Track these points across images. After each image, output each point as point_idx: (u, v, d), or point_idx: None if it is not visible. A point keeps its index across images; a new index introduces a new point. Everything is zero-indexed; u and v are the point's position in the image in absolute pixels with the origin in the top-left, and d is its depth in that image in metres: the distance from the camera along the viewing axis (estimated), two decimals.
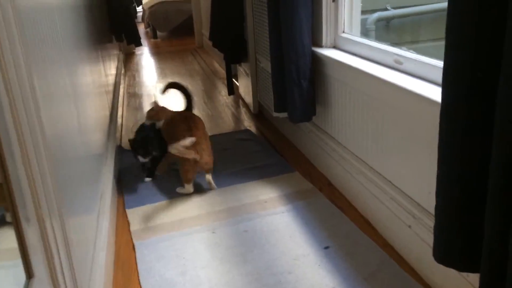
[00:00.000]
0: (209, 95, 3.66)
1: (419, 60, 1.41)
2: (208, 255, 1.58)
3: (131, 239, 1.71)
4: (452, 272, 1.23)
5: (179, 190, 2.05)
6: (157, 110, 2.29)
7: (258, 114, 3.04)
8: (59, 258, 0.86)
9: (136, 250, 1.64)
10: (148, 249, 1.64)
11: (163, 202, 1.98)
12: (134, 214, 1.89)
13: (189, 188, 2.02)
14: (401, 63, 1.50)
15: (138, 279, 1.48)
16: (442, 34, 0.95)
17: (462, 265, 1.00)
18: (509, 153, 0.79)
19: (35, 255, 0.74)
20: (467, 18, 0.86)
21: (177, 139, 1.95)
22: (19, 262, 0.70)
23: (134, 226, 1.80)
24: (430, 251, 1.31)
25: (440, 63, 1.33)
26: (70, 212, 1.08)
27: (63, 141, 1.13)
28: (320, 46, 1.99)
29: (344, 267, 1.47)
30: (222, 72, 4.18)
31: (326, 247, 1.58)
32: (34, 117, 0.82)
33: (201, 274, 1.49)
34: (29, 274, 0.69)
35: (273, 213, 1.82)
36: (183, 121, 2.10)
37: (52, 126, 0.99)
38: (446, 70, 0.93)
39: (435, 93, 1.24)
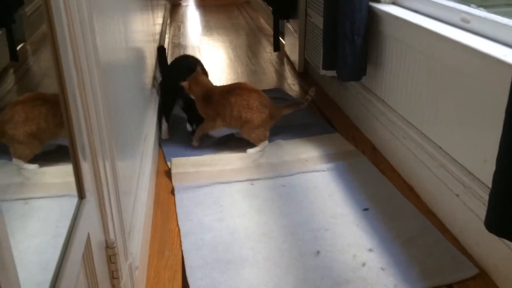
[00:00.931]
0: (254, 50, 3.60)
1: (490, 19, 1.31)
2: (245, 205, 1.59)
3: (171, 182, 1.74)
4: (498, 244, 1.18)
5: (252, 150, 1.95)
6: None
7: (303, 73, 2.97)
8: (107, 186, 0.87)
9: (176, 193, 1.66)
10: (187, 193, 1.66)
11: (204, 156, 1.94)
12: (176, 161, 1.88)
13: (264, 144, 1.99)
14: (468, 22, 1.39)
15: (177, 221, 1.51)
16: None
17: None
18: None
19: (87, 181, 0.75)
20: None
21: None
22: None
23: (175, 169, 1.81)
24: (477, 222, 1.26)
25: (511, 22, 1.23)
26: (119, 151, 1.09)
27: (115, 78, 1.13)
28: (379, 1, 1.88)
29: (383, 230, 1.44)
30: (268, 29, 4.08)
31: (366, 209, 1.55)
32: (93, 61, 0.82)
33: (238, 222, 1.50)
34: (81, 195, 0.70)
35: (313, 171, 1.80)
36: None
37: (107, 74, 1.00)
38: None
39: (505, 53, 1.14)
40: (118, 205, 0.94)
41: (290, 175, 1.77)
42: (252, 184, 1.72)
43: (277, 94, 2.62)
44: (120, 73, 1.25)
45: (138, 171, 1.42)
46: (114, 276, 0.89)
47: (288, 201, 1.60)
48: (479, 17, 1.35)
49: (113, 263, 0.89)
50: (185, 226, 1.48)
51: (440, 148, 1.49)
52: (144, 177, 1.46)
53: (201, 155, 1.95)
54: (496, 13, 1.33)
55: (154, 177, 1.76)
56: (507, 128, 0.92)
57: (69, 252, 0.61)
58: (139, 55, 1.79)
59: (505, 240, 1.14)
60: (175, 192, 1.67)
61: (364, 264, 1.29)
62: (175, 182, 1.73)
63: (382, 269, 1.27)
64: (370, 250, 1.35)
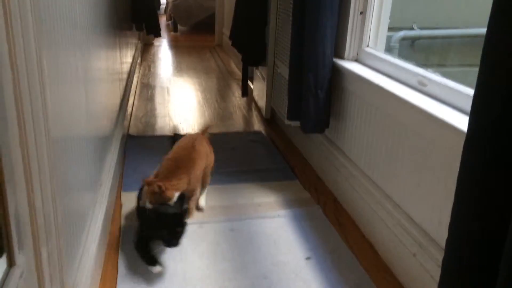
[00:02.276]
0: (222, 94, 3.62)
1: (445, 84, 1.36)
2: (189, 248, 1.57)
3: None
4: None
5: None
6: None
7: (270, 120, 3.00)
8: (46, 240, 0.81)
9: (122, 234, 1.65)
10: (132, 234, 1.63)
11: None
12: (129, 198, 1.88)
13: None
14: (425, 85, 1.44)
15: (117, 264, 1.48)
16: (470, 59, 0.90)
17: None
18: None
19: (19, 244, 0.70)
20: (504, 47, 0.81)
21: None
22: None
23: (126, 209, 1.81)
24: (433, 283, 1.26)
25: (466, 89, 1.28)
26: (65, 190, 1.03)
27: (66, 122, 1.09)
28: (342, 58, 1.94)
29: (321, 280, 1.45)
30: (238, 73, 4.14)
31: (308, 258, 1.55)
32: (38, 95, 0.78)
33: (178, 267, 1.48)
34: (10, 263, 0.65)
35: (264, 217, 1.80)
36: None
37: (56, 106, 0.96)
38: (476, 96, 0.87)
39: (459, 120, 1.18)
40: (60, 262, 0.89)
41: (240, 220, 1.77)
42: (201, 227, 1.70)
43: (254, 138, 2.65)
44: (71, 116, 1.21)
45: (89, 220, 1.36)
46: None
47: (233, 246, 1.60)
48: (435, 81, 1.40)
49: None
50: (125, 268, 1.45)
51: (398, 206, 1.50)
52: (95, 226, 1.39)
53: None
54: (450, 72, 1.39)
55: (110, 222, 1.69)
56: (459, 197, 0.93)
57: None
58: (100, 101, 1.76)
59: None
60: (121, 233, 1.64)
61: None
62: (123, 222, 1.71)
63: None
64: None
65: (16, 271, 0.66)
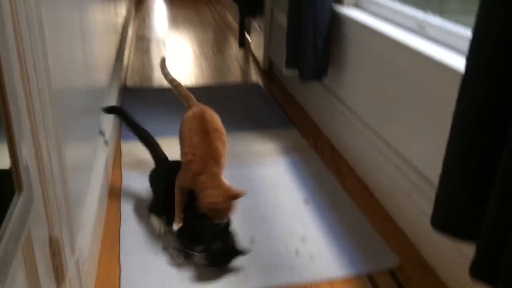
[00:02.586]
0: (219, 46, 3.58)
1: (444, 27, 1.35)
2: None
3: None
4: (445, 241, 1.22)
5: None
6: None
7: (267, 71, 2.98)
8: (53, 178, 0.84)
9: (123, 180, 1.68)
10: (135, 181, 1.67)
11: (158, 139, 1.96)
12: (128, 147, 1.92)
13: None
14: (424, 28, 1.43)
15: (120, 207, 1.52)
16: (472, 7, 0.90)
17: (460, 234, 0.98)
18: None
19: (26, 171, 0.72)
20: None
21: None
22: None
23: (126, 158, 1.84)
24: (425, 220, 1.30)
25: (465, 32, 1.27)
26: (68, 140, 1.05)
27: (66, 74, 1.09)
28: (341, 3, 1.91)
29: (319, 221, 1.49)
30: (235, 26, 4.07)
31: (306, 202, 1.60)
32: (39, 47, 0.79)
33: None
34: (19, 188, 0.67)
35: (263, 164, 1.84)
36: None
37: (56, 58, 0.96)
38: (473, 39, 0.88)
39: (457, 62, 1.19)
40: (65, 197, 0.92)
41: (239, 167, 1.80)
42: None
43: (252, 89, 2.65)
44: (69, 66, 1.21)
45: (91, 162, 1.39)
46: (58, 270, 0.87)
47: None
48: (434, 24, 1.39)
49: (58, 258, 0.86)
50: (127, 212, 1.50)
51: (395, 149, 1.53)
52: (98, 169, 1.42)
53: (157, 138, 1.97)
54: (451, 20, 1.38)
55: (110, 168, 1.72)
56: (453, 134, 0.95)
57: (4, 247, 0.59)
58: (97, 54, 1.74)
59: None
60: (123, 180, 1.68)
61: (295, 252, 1.34)
62: (124, 170, 1.74)
63: (311, 257, 1.31)
64: (303, 239, 1.39)
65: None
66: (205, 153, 1.30)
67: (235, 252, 1.22)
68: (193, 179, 1.26)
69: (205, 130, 1.35)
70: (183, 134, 1.37)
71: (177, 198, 1.31)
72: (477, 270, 0.90)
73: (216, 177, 1.27)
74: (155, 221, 1.40)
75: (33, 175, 0.74)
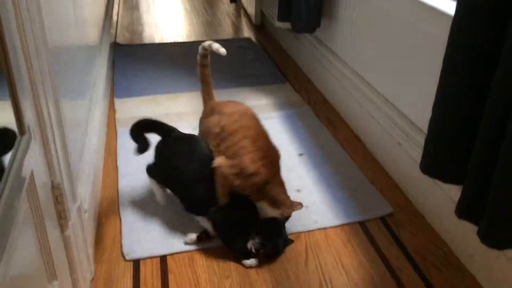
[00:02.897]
0: (210, 1, 3.51)
1: None
2: None
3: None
4: (433, 186, 1.27)
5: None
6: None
7: (260, 26, 2.94)
8: (51, 125, 0.85)
9: (118, 136, 1.68)
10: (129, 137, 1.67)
11: (151, 96, 1.99)
12: (122, 104, 1.92)
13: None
14: None
15: (116, 163, 1.54)
16: None
17: (447, 177, 1.02)
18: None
19: (28, 117, 0.73)
20: None
21: None
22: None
23: (120, 114, 1.84)
24: (416, 168, 1.34)
25: None
26: (65, 94, 1.06)
27: (59, 31, 1.08)
28: None
29: (314, 173, 1.53)
30: None
31: (301, 154, 1.63)
32: (33, 5, 0.78)
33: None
34: (22, 131, 0.69)
35: None
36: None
37: (50, 16, 0.95)
38: None
39: (447, 7, 1.19)
40: (63, 146, 0.93)
41: None
42: (195, 130, 1.74)
43: (244, 44, 2.62)
44: (62, 23, 1.20)
45: (86, 117, 1.40)
46: (61, 216, 0.90)
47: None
48: None
49: (60, 203, 0.89)
50: (124, 167, 1.52)
51: (386, 98, 1.55)
52: (93, 123, 1.44)
53: (149, 94, 2.01)
54: None
55: (105, 126, 1.74)
56: (442, 79, 0.97)
57: (10, 186, 0.61)
58: (87, 9, 1.71)
59: (440, 184, 1.23)
60: (118, 135, 1.69)
61: None
62: (119, 126, 1.75)
63: (306, 208, 1.34)
64: (298, 191, 1.44)
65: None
66: (267, 160, 1.18)
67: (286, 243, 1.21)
68: (258, 189, 1.17)
69: (260, 134, 1.22)
70: (232, 140, 1.19)
71: (223, 200, 1.19)
72: (463, 210, 0.94)
73: (282, 185, 1.22)
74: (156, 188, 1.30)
75: (33, 124, 0.75)
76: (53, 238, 0.84)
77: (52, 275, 0.83)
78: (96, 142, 1.40)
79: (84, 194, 1.13)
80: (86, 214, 1.11)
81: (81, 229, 1.02)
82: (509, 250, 1.02)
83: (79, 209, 1.01)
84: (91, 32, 1.75)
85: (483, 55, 0.89)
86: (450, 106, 0.97)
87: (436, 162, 1.04)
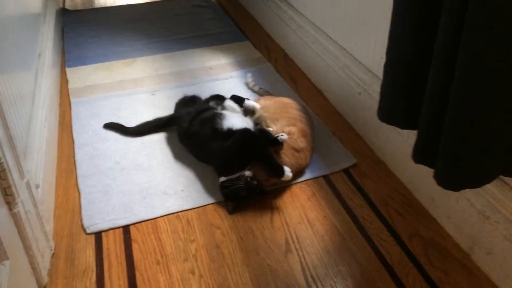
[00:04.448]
0: None
1: None
2: (144, 114, 1.57)
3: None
4: (393, 134, 1.27)
5: None
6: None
7: None
8: None
9: (72, 107, 1.62)
10: (84, 106, 1.62)
11: (106, 63, 1.91)
12: (74, 73, 1.84)
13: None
14: None
15: (72, 134, 1.48)
16: None
17: (404, 123, 1.02)
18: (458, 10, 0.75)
19: None
20: None
21: None
22: None
23: (73, 84, 1.76)
24: (375, 116, 1.34)
25: None
26: (1, 67, 0.99)
27: None
28: None
29: None
30: None
31: None
32: None
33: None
34: None
35: (216, 79, 1.81)
36: None
37: None
38: None
39: None
40: (3, 120, 0.88)
41: (192, 84, 1.77)
42: (153, 95, 1.70)
43: (199, 2, 2.53)
44: None
45: (33, 89, 1.32)
46: (7, 193, 0.85)
47: None
48: None
49: (4, 179, 0.84)
50: (80, 138, 1.46)
51: (344, 49, 1.53)
52: (41, 95, 1.36)
53: (103, 61, 1.92)
54: None
55: (58, 94, 1.66)
56: (395, 19, 0.94)
57: None
58: None
59: (399, 131, 1.23)
60: (72, 105, 1.62)
61: None
62: (72, 97, 1.67)
63: None
64: None
65: None
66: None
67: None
68: None
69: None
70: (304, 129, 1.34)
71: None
72: (418, 154, 0.94)
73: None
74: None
75: None
76: (0, 216, 0.80)
77: (2, 254, 0.80)
78: (46, 114, 1.34)
79: (35, 169, 1.08)
80: (40, 189, 1.07)
81: (33, 205, 0.98)
82: (468, 191, 1.04)
83: (28, 185, 0.96)
84: (32, 1, 1.64)
85: None
86: (399, 49, 0.95)
87: (391, 108, 1.03)
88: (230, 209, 1.19)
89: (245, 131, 1.26)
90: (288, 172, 1.20)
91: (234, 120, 1.29)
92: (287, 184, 1.28)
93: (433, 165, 0.92)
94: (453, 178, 0.86)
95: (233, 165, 1.20)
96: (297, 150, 1.28)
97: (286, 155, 1.26)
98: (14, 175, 0.88)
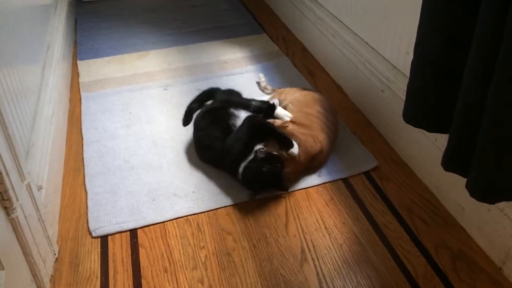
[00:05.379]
0: None
1: None
2: (155, 111, 1.51)
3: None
4: (419, 136, 1.18)
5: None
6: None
7: None
8: None
9: (82, 102, 1.56)
10: (94, 101, 1.56)
11: (118, 56, 1.85)
12: (85, 66, 1.78)
13: None
14: None
15: (81, 130, 1.42)
16: None
17: (433, 126, 0.93)
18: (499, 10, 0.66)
19: None
20: None
21: None
22: None
23: (83, 78, 1.70)
24: (399, 116, 1.25)
25: None
26: (4, 60, 0.94)
27: None
28: None
29: None
30: None
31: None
32: None
33: (146, 128, 1.44)
34: None
35: (231, 74, 1.73)
36: None
37: None
38: None
39: None
40: (1, 119, 0.82)
41: (206, 79, 1.69)
42: (165, 89, 1.63)
43: None
44: None
45: (38, 83, 1.27)
46: (4, 197, 0.80)
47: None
48: None
49: (0, 183, 0.79)
50: (89, 134, 1.40)
51: (366, 43, 1.43)
52: (48, 90, 1.31)
53: (115, 54, 1.86)
54: None
55: (67, 88, 1.61)
56: (425, 12, 0.85)
57: None
58: None
59: (425, 132, 1.14)
60: (82, 100, 1.57)
61: None
62: (82, 91, 1.62)
63: None
64: None
65: None
66: None
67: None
68: None
69: None
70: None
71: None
72: (449, 161, 0.86)
73: None
74: None
75: None
76: None
77: None
78: (54, 110, 1.28)
79: (38, 169, 1.03)
80: (43, 191, 1.02)
81: (35, 209, 0.93)
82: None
83: (29, 187, 0.91)
84: None
85: None
86: (430, 44, 0.86)
87: (419, 110, 0.94)
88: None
89: (248, 117, 1.23)
90: (296, 146, 1.16)
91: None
92: (303, 188, 1.20)
93: (465, 174, 0.83)
94: (488, 190, 0.77)
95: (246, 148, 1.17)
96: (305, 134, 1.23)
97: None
98: (12, 177, 0.83)
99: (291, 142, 1.17)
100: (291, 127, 1.26)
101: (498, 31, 0.66)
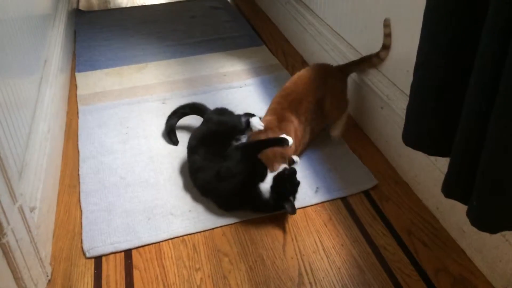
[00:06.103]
0: None
1: None
2: (153, 126, 1.50)
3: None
4: (419, 155, 1.16)
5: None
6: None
7: None
8: None
9: (80, 116, 1.55)
10: (92, 115, 1.55)
11: (117, 68, 1.83)
12: (83, 79, 1.77)
13: None
14: None
15: (77, 145, 1.41)
16: None
17: (433, 149, 0.91)
18: (504, 27, 0.64)
19: None
20: None
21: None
22: None
23: (81, 91, 1.69)
24: (399, 134, 1.23)
25: None
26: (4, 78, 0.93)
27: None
28: None
29: None
30: None
31: None
32: None
33: (143, 143, 1.42)
34: None
35: (230, 87, 1.71)
36: None
37: None
38: None
39: None
40: None
41: (205, 92, 1.68)
42: (164, 103, 1.61)
43: (216, 4, 2.45)
44: None
45: (34, 98, 1.26)
46: None
47: (198, 119, 1.51)
48: None
49: None
50: (85, 150, 1.39)
51: None
52: (44, 104, 1.29)
53: (114, 66, 1.85)
54: None
55: (65, 102, 1.59)
56: (424, 33, 0.84)
57: None
58: None
59: None
60: (79, 114, 1.55)
61: None
62: (80, 104, 1.61)
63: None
64: None
65: None
66: None
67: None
68: None
69: None
70: None
71: None
72: (450, 188, 0.84)
73: None
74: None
75: None
76: None
77: None
78: (50, 125, 1.27)
79: (31, 190, 1.01)
80: (36, 211, 1.00)
81: (27, 231, 0.91)
82: None
83: (21, 209, 0.89)
84: (41, 1, 1.58)
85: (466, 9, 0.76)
86: (430, 67, 0.85)
87: (419, 133, 0.93)
88: (290, 209, 1.11)
89: (236, 147, 1.23)
90: (287, 137, 1.18)
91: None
92: (301, 207, 1.19)
93: (466, 202, 0.81)
94: (489, 220, 0.75)
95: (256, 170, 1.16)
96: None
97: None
98: (3, 200, 0.81)
99: (281, 138, 1.17)
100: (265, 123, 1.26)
101: (499, 65, 0.64)
